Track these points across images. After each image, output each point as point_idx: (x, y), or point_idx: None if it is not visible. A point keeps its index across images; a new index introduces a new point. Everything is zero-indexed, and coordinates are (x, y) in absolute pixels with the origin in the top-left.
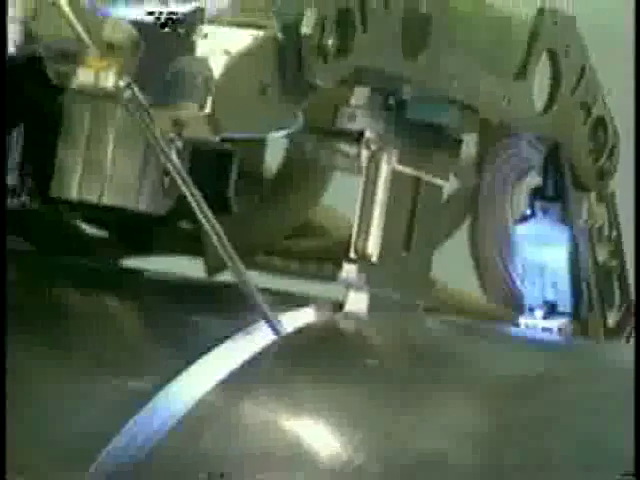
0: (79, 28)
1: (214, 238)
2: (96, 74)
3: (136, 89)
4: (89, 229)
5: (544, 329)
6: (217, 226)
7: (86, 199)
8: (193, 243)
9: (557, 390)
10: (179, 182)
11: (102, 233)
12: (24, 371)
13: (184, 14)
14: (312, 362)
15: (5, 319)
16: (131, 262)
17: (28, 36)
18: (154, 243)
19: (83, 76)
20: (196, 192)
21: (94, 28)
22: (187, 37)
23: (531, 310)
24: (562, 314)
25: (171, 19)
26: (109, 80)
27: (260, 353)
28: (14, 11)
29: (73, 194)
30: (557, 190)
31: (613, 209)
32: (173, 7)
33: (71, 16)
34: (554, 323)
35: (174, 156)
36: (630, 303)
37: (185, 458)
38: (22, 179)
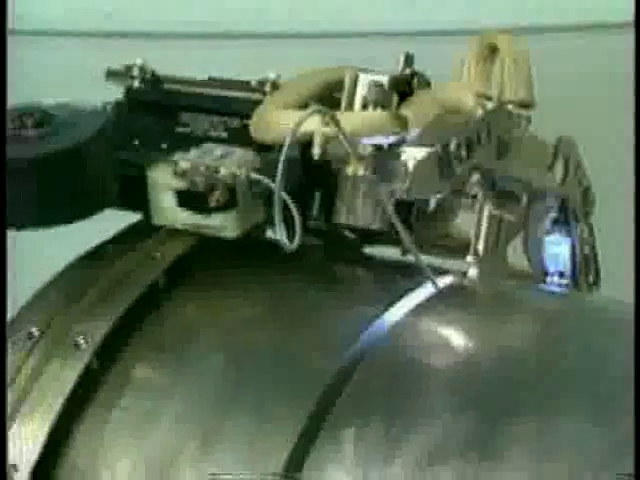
0: (347, 147)
1: (405, 239)
2: (355, 170)
3: (373, 175)
4: (352, 235)
5: (559, 285)
6: (407, 233)
7: (349, 222)
8: (396, 240)
9: (570, 317)
10: (391, 215)
11: (353, 236)
12: (310, 301)
13: (395, 142)
14: (453, 302)
15: (291, 273)
16: (366, 250)
17: (324, 151)
18: (377, 240)
19: (349, 169)
20: (397, 220)
21: (354, 147)
22: (396, 151)
23: (552, 275)
24: (567, 277)
25: (389, 144)
26: (360, 171)
27: (428, 298)
28: (318, 142)
29: (342, 220)
30: (565, 220)
31: (591, 229)
32: (391, 139)
33: (345, 142)
34: (563, 282)
35: (390, 205)
36: (598, 271)
37: (393, 349)
38: (319, 213)
